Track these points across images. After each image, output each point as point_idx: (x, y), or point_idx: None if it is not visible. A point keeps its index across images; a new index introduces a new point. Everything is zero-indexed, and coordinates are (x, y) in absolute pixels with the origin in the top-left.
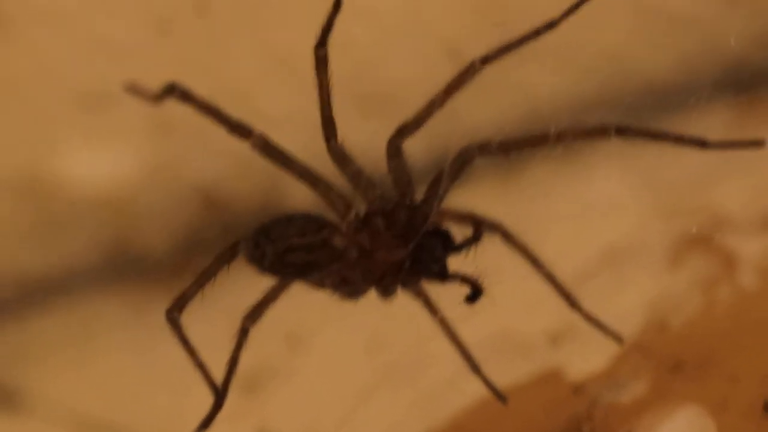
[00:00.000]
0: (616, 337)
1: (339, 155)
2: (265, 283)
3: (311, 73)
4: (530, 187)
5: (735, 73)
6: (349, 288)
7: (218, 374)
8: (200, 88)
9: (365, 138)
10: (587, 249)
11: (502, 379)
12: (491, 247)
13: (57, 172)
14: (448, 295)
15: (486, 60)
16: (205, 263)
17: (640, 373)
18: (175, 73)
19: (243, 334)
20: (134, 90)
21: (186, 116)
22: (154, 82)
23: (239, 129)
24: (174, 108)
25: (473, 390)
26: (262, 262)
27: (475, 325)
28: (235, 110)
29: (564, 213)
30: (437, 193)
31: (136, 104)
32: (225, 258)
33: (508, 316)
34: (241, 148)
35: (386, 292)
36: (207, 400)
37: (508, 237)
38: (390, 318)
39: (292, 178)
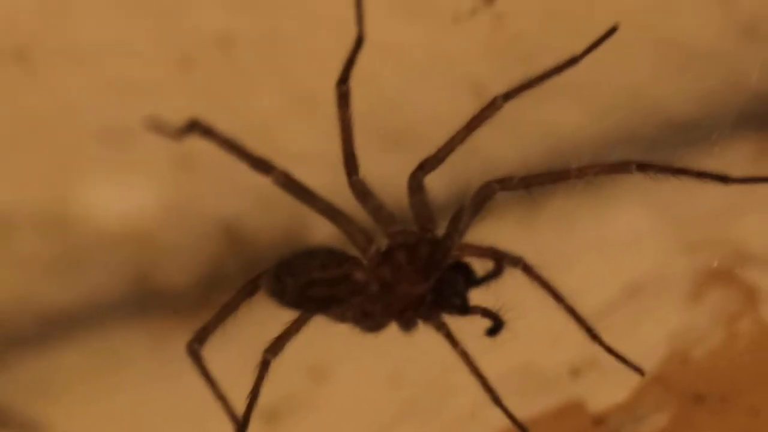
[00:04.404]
0: (638, 369)
1: (360, 190)
2: (286, 316)
3: (333, 109)
4: (552, 222)
5: (756, 109)
6: (371, 321)
7: (239, 407)
8: (222, 124)
9: (387, 173)
10: (609, 283)
11: (524, 411)
12: (512, 281)
13: (79, 206)
14: (469, 329)
15: (508, 96)
16: (226, 297)
17: (662, 406)
18: (197, 110)
19: (264, 366)
20: (156, 126)
21: (208, 152)
22: (176, 118)
23: (261, 165)
24: (196, 143)
25: (495, 422)
26: (283, 296)
27: (496, 358)
28: (257, 146)
29: (585, 248)
30: (458, 227)
31: (158, 140)
32: (246, 292)
33: (529, 349)
34: (263, 183)
35: (407, 325)
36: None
37: (529, 271)
38: (412, 351)
39: (314, 213)
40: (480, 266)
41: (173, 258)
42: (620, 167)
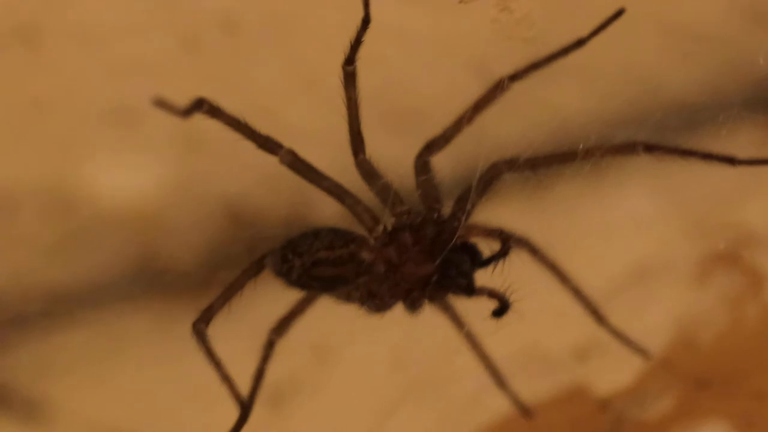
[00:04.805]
0: (643, 352)
1: (367, 170)
2: (291, 296)
3: (339, 89)
4: (558, 204)
5: (764, 92)
6: (376, 302)
7: (244, 387)
8: (228, 104)
9: (393, 153)
10: (614, 265)
11: (528, 394)
12: (518, 262)
13: (84, 186)
14: (474, 310)
15: (514, 77)
16: (231, 277)
17: (667, 390)
18: (202, 90)
19: (269, 347)
20: (162, 104)
21: (213, 131)
22: (182, 98)
23: (268, 144)
24: (201, 123)
25: (499, 405)
26: (289, 275)
27: (501, 339)
28: (263, 126)
29: (591, 229)
30: (465, 208)
31: (163, 120)
32: (252, 271)
33: (534, 331)
34: (268, 163)
35: (413, 306)
36: (232, 413)
37: (535, 252)
38: (416, 332)
39: (319, 194)
40: (486, 247)
41: (178, 238)
42: (627, 148)
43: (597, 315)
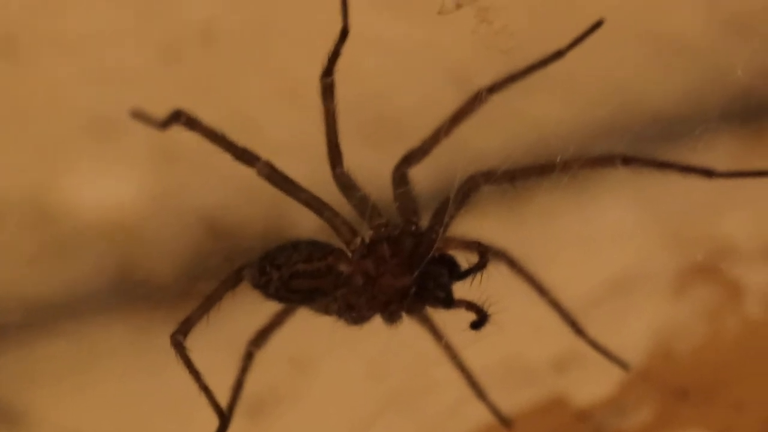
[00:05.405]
0: (622, 364)
1: (344, 183)
2: (270, 308)
3: (317, 100)
4: (536, 216)
5: (742, 104)
6: (355, 314)
7: (223, 399)
8: (206, 115)
9: (371, 166)
10: (593, 277)
11: (507, 405)
12: (496, 274)
13: (62, 197)
14: (453, 322)
15: (493, 89)
16: (209, 289)
17: (646, 400)
18: (181, 101)
19: (248, 358)
20: (140, 116)
21: (191, 143)
22: (160, 109)
23: (245, 156)
24: (179, 135)
25: (477, 416)
26: (267, 287)
27: (480, 351)
28: (241, 138)
29: (570, 241)
30: (443, 220)
31: (141, 131)
32: (230, 283)
33: (513, 343)
34: (246, 175)
35: (391, 318)
36: (212, 424)
37: (513, 264)
38: (395, 344)
39: (297, 206)
40: (464, 259)
41: (156, 249)
42: (605, 161)
43: (575, 326)
